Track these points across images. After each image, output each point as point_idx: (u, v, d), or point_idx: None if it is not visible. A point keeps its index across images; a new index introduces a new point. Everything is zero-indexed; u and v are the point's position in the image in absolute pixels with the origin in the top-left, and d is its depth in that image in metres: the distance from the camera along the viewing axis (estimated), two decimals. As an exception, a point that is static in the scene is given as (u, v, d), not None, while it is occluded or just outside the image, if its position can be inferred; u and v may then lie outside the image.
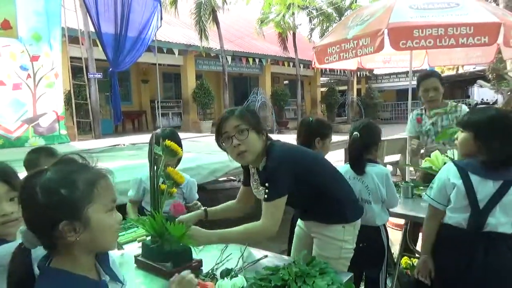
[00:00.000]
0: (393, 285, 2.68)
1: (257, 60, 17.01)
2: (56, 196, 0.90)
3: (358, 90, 24.55)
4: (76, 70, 9.63)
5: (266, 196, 1.64)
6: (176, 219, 1.68)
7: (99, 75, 9.73)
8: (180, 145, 2.16)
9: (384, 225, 2.31)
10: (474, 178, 1.71)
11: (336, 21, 16.77)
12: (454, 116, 3.08)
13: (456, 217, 1.77)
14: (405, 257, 3.02)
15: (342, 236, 1.82)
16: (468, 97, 22.13)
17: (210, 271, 1.56)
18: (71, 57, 8.90)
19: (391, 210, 2.36)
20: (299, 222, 2.15)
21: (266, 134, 1.77)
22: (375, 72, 23.15)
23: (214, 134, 1.78)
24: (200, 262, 1.65)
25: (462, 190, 1.72)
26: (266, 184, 1.65)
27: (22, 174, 2.54)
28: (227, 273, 1.51)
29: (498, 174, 1.69)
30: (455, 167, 1.78)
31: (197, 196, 2.63)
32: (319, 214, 1.86)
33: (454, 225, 1.77)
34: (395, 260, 2.83)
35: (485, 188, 1.69)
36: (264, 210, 1.65)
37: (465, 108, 3.10)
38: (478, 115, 1.82)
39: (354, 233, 1.88)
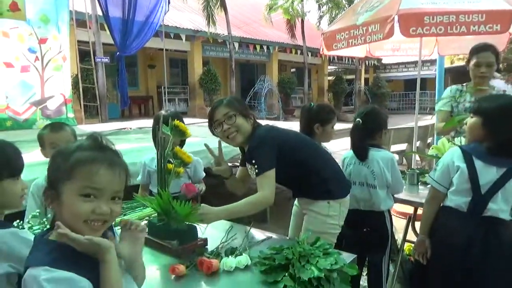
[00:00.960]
0: (396, 271, 2.71)
1: (264, 47, 16.88)
2: (51, 161, 1.01)
3: (366, 80, 24.34)
4: (83, 54, 9.64)
5: (256, 171, 1.83)
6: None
7: (106, 60, 9.73)
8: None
9: (389, 211, 2.32)
10: (478, 163, 1.72)
11: (345, 8, 16.53)
12: None
13: (457, 199, 1.78)
14: (409, 244, 3.03)
15: (327, 212, 1.94)
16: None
17: (215, 250, 1.59)
18: (78, 41, 8.90)
19: (396, 196, 2.37)
20: (296, 201, 2.25)
21: (253, 119, 1.98)
22: (383, 61, 22.89)
23: (208, 123, 1.99)
24: (205, 241, 1.67)
25: (465, 173, 1.74)
26: (253, 161, 1.84)
27: (31, 154, 2.59)
28: (231, 252, 1.54)
29: (502, 161, 1.70)
30: (460, 151, 1.79)
31: (203, 174, 2.63)
32: (306, 191, 2.00)
33: (454, 207, 1.79)
34: (399, 246, 2.85)
35: (488, 173, 1.70)
36: (258, 184, 1.83)
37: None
38: (488, 102, 1.81)
39: (340, 210, 1.97)
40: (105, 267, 0.95)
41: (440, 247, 1.85)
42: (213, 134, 2.00)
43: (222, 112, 1.90)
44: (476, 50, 2.76)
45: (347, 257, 1.50)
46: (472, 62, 2.78)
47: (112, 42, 9.11)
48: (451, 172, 1.79)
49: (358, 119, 2.28)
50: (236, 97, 2.11)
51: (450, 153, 1.85)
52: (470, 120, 1.84)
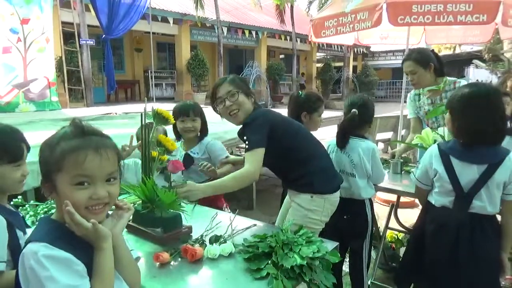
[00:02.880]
0: (378, 258, 2.76)
1: (253, 33, 16.72)
2: (40, 154, 1.01)
3: (354, 67, 24.41)
4: (68, 35, 9.41)
5: (246, 147, 1.87)
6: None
7: (92, 42, 9.53)
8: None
9: (370, 199, 2.35)
10: (456, 163, 1.69)
11: (335, -6, 16.41)
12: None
13: (442, 200, 1.78)
14: (391, 231, 3.09)
15: (309, 206, 1.94)
16: (463, 77, 22.09)
17: (199, 237, 1.59)
18: (62, 22, 8.68)
19: (379, 184, 2.40)
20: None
21: (254, 99, 2.03)
22: (371, 49, 22.96)
23: (210, 100, 2.04)
24: (190, 228, 1.67)
25: (445, 176, 1.71)
26: (245, 137, 1.89)
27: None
28: (216, 239, 1.54)
29: (481, 157, 1.65)
30: (437, 151, 1.76)
31: (225, 153, 2.52)
32: (291, 181, 2.02)
33: (440, 206, 1.79)
34: (381, 234, 2.90)
35: (468, 173, 1.67)
36: (246, 158, 1.87)
37: (464, 82, 2.82)
38: (454, 94, 1.77)
39: (324, 206, 1.95)
40: (101, 254, 0.96)
41: (430, 243, 1.83)
42: (215, 111, 2.04)
43: (225, 89, 1.95)
44: (402, 62, 2.90)
45: (330, 245, 1.52)
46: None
47: (97, 24, 8.90)
48: (430, 174, 1.78)
49: (354, 110, 2.23)
50: (237, 75, 2.13)
51: (429, 153, 1.82)
52: (446, 116, 1.82)
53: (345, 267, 2.57)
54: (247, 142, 1.87)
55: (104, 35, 8.43)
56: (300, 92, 2.58)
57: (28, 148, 1.35)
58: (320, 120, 2.55)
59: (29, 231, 1.25)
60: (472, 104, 1.65)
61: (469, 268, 1.70)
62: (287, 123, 2.03)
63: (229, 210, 2.39)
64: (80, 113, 6.13)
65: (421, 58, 2.79)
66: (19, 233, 1.27)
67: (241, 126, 2.01)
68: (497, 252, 1.73)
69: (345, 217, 2.22)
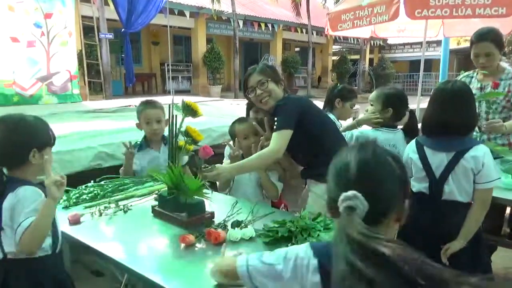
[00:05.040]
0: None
1: (269, 26, 16.70)
2: None
3: (371, 60, 24.10)
4: (87, 29, 9.60)
5: (275, 127, 1.97)
6: None
7: (111, 36, 9.70)
8: None
9: None
10: (428, 151, 1.86)
11: (352, -14, 16.23)
12: (508, 83, 2.64)
13: (419, 185, 1.91)
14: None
15: None
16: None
17: (222, 222, 1.69)
18: (82, 16, 8.85)
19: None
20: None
21: (284, 86, 2.14)
22: (388, 41, 22.61)
23: (243, 90, 2.20)
24: (212, 214, 1.77)
25: (418, 162, 1.88)
26: (276, 118, 1.98)
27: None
28: (237, 224, 1.63)
29: (451, 146, 1.81)
30: (415, 143, 1.93)
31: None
32: (312, 169, 2.11)
33: (419, 192, 1.91)
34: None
35: (438, 159, 1.83)
36: (272, 138, 1.97)
37: None
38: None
39: None
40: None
41: (407, 229, 1.92)
42: (246, 98, 2.22)
43: (255, 79, 2.06)
44: (475, 39, 2.62)
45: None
46: (472, 52, 2.67)
47: (115, 17, 9.05)
48: (409, 163, 1.92)
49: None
50: (268, 64, 2.28)
51: (409, 145, 1.99)
52: None
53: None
54: (276, 122, 1.96)
55: (123, 29, 8.57)
56: (338, 83, 2.88)
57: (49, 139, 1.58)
58: (351, 111, 2.81)
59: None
60: (439, 98, 1.87)
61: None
62: (317, 111, 2.17)
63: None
64: (100, 105, 6.28)
65: (500, 40, 2.58)
66: None
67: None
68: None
69: None
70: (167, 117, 2.00)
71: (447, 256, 1.78)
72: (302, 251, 0.98)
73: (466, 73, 2.93)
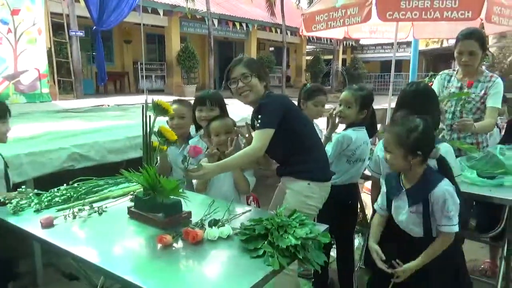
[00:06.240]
0: (365, 243, 2.90)
1: (244, 25, 16.70)
2: None
3: (343, 60, 24.52)
4: (56, 26, 9.32)
5: (257, 125, 1.99)
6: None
7: (81, 33, 9.45)
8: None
9: (350, 185, 2.56)
10: None
11: (325, -13, 16.42)
12: (485, 85, 2.67)
13: None
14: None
15: (307, 192, 2.07)
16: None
17: (199, 221, 1.69)
18: (51, 13, 8.59)
19: (365, 172, 2.53)
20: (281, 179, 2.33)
21: (266, 83, 2.15)
22: (361, 42, 23.08)
23: (224, 79, 2.18)
24: (189, 214, 1.77)
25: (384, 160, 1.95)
26: (259, 116, 2.00)
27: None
28: (215, 223, 1.64)
29: None
30: (382, 142, 2.00)
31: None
32: (291, 166, 2.13)
33: None
34: (369, 221, 3.03)
35: None
36: (254, 136, 2.00)
37: (499, 81, 2.68)
38: None
39: (319, 193, 2.10)
40: None
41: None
42: (229, 89, 2.17)
43: (240, 71, 2.07)
44: (461, 37, 2.63)
45: (321, 227, 1.64)
46: (456, 49, 2.67)
47: (86, 15, 8.82)
48: (377, 161, 2.01)
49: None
50: (254, 58, 2.29)
51: (378, 144, 2.09)
52: None
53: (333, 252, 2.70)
54: (259, 121, 1.99)
55: (94, 27, 8.37)
56: (307, 83, 2.82)
57: (9, 112, 2.06)
58: (319, 109, 2.70)
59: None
60: (404, 98, 2.05)
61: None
62: (297, 111, 2.22)
63: (255, 205, 2.50)
64: (71, 105, 6.12)
65: (484, 41, 2.62)
66: None
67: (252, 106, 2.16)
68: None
69: (350, 202, 2.58)
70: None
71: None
72: None
73: (446, 71, 2.96)
